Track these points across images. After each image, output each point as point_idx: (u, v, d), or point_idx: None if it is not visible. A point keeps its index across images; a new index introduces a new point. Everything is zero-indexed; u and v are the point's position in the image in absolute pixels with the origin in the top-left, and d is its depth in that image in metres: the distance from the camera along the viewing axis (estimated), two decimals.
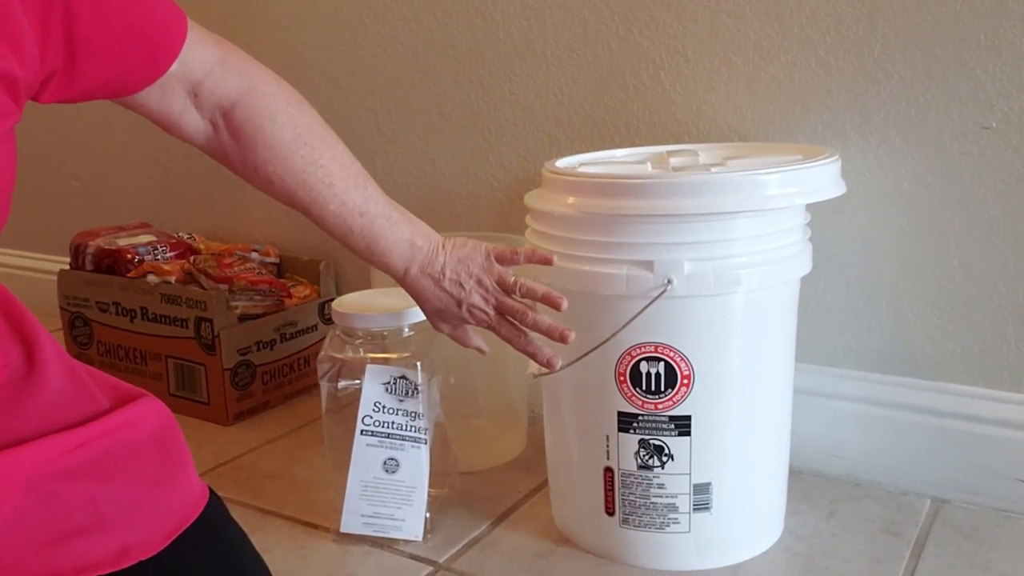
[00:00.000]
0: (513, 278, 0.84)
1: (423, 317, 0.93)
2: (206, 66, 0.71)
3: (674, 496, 0.88)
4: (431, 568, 0.93)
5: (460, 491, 1.05)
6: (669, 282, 0.82)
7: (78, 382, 0.66)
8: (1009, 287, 0.96)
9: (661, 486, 0.88)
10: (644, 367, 0.85)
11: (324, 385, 0.97)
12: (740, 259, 0.83)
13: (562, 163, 0.97)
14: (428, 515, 0.97)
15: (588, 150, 1.10)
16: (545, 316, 0.84)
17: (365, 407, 0.95)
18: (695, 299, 0.83)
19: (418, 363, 0.95)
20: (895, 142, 0.98)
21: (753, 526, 0.93)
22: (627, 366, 0.86)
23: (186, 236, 1.48)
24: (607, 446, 0.89)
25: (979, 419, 0.99)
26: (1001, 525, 0.96)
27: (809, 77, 1.01)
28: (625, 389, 0.86)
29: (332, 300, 1.04)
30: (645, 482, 0.88)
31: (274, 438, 1.25)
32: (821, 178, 0.86)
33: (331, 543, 0.97)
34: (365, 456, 0.95)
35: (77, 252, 1.42)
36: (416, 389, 0.94)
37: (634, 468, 0.88)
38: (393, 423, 0.95)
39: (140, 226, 1.51)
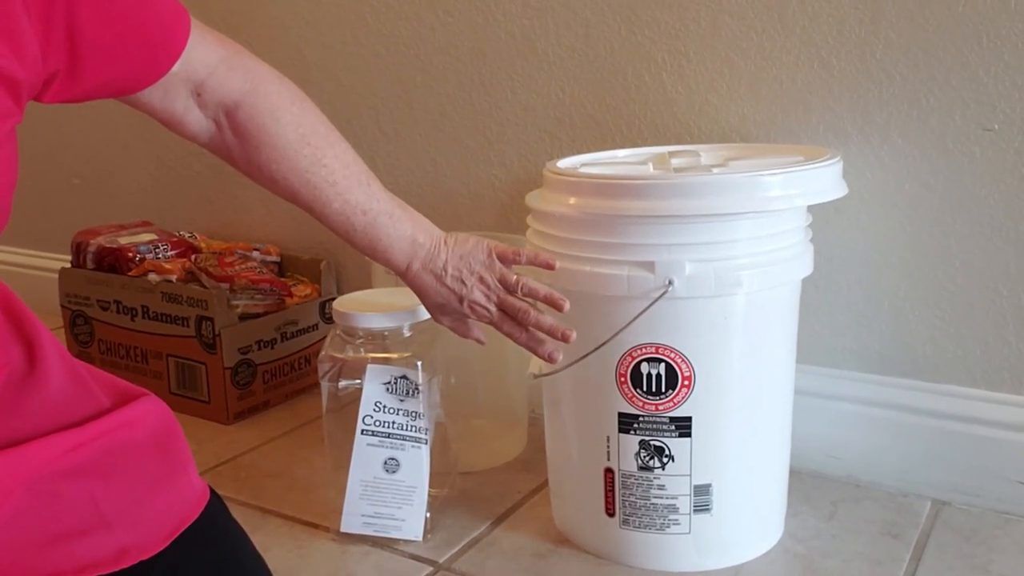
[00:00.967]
0: (515, 277, 0.84)
1: (424, 317, 0.93)
2: (209, 66, 0.71)
3: (674, 497, 0.88)
4: (431, 568, 0.93)
5: (460, 491, 1.05)
6: (670, 283, 0.82)
7: (79, 381, 0.66)
8: (1010, 289, 0.96)
9: (661, 487, 0.88)
10: (645, 368, 0.85)
11: (325, 384, 0.97)
12: (741, 260, 0.83)
13: (564, 163, 0.97)
14: (428, 515, 0.97)
15: (590, 150, 1.10)
16: (547, 315, 0.85)
17: (366, 407, 0.95)
18: (696, 300, 0.83)
19: (419, 363, 0.94)
20: (897, 143, 0.98)
21: (753, 527, 0.93)
22: (628, 367, 0.86)
23: (187, 235, 1.48)
24: (607, 447, 0.89)
25: (980, 421, 0.99)
26: (1001, 527, 0.96)
27: (811, 78, 1.01)
28: (626, 390, 0.86)
29: (333, 299, 1.04)
30: (645, 483, 0.88)
31: (274, 437, 1.25)
32: (823, 179, 0.86)
33: (331, 543, 0.97)
34: (365, 456, 0.95)
35: (78, 250, 1.42)
36: (417, 389, 0.94)
37: (634, 469, 0.88)
38: (394, 423, 0.95)
39: (141, 224, 1.51)
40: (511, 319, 0.86)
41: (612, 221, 0.84)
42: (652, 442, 0.87)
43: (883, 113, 0.98)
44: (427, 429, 0.95)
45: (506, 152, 1.24)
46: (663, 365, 0.85)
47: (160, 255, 1.38)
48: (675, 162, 0.94)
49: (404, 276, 0.86)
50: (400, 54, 1.29)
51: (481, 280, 0.85)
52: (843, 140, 1.00)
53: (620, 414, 0.87)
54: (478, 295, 0.85)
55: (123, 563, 0.61)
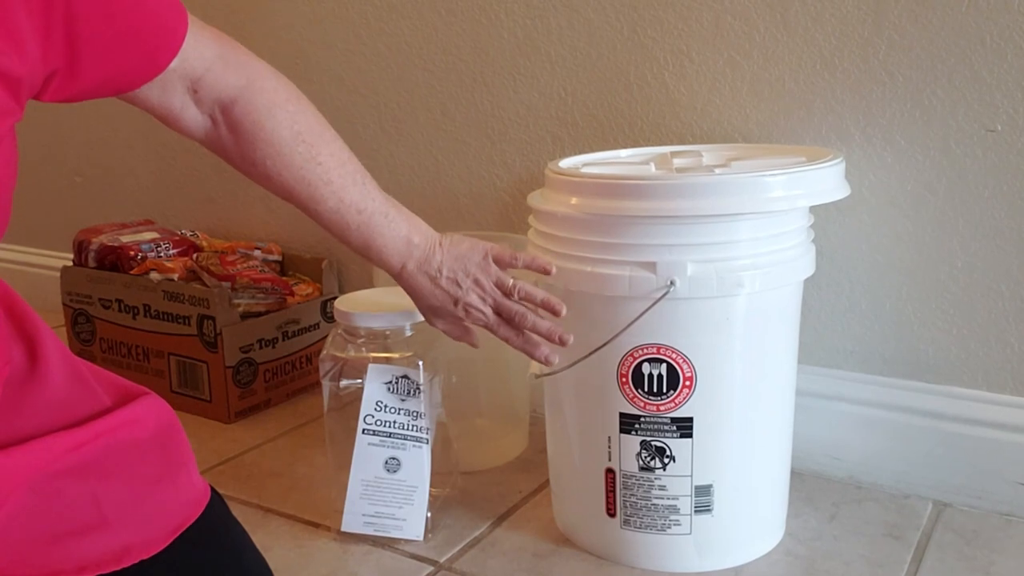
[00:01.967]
0: (512, 282, 0.84)
1: None
2: (206, 62, 0.71)
3: (675, 498, 0.88)
4: (432, 568, 0.93)
5: (461, 491, 1.05)
6: (672, 283, 0.82)
7: (80, 380, 0.66)
8: (1013, 290, 0.96)
9: (662, 488, 0.88)
10: (646, 368, 0.85)
11: (326, 384, 0.97)
12: (743, 261, 0.83)
13: (565, 163, 0.96)
14: (429, 515, 0.97)
15: (592, 150, 1.10)
16: (543, 319, 0.85)
17: (367, 406, 0.95)
18: (698, 301, 0.83)
19: (420, 362, 0.94)
20: (900, 144, 0.98)
21: (754, 528, 0.93)
22: (629, 367, 0.86)
23: (189, 233, 1.48)
24: (609, 447, 0.89)
25: (982, 422, 0.99)
26: (1003, 529, 0.96)
27: (814, 78, 1.01)
28: (627, 390, 0.86)
29: (334, 298, 1.04)
30: (646, 483, 0.88)
31: (276, 436, 1.25)
32: (825, 180, 0.85)
33: (332, 542, 0.97)
34: (367, 455, 0.95)
35: (80, 249, 1.42)
36: (418, 388, 0.94)
37: (635, 469, 0.88)
38: (395, 422, 0.95)
39: (143, 223, 1.52)
40: (507, 323, 0.86)
41: (614, 221, 0.84)
42: (653, 442, 0.87)
43: (886, 114, 0.98)
44: (428, 429, 0.95)
45: (508, 151, 1.24)
46: (664, 366, 0.85)
47: (162, 254, 1.38)
48: (677, 162, 0.94)
49: (398, 277, 0.86)
50: (402, 53, 1.29)
51: (477, 283, 0.84)
52: (846, 141, 1.00)
53: (621, 414, 0.87)
54: (473, 298, 0.84)
55: (124, 562, 0.61)
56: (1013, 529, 0.96)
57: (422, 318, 0.93)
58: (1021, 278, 0.95)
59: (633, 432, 0.87)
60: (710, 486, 0.88)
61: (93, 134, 1.70)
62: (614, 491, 0.90)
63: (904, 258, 1.00)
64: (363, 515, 0.96)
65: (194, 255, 1.38)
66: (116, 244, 1.39)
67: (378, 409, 0.95)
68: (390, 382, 0.95)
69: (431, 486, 0.96)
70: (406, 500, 0.95)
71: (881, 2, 0.96)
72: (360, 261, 1.36)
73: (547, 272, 0.85)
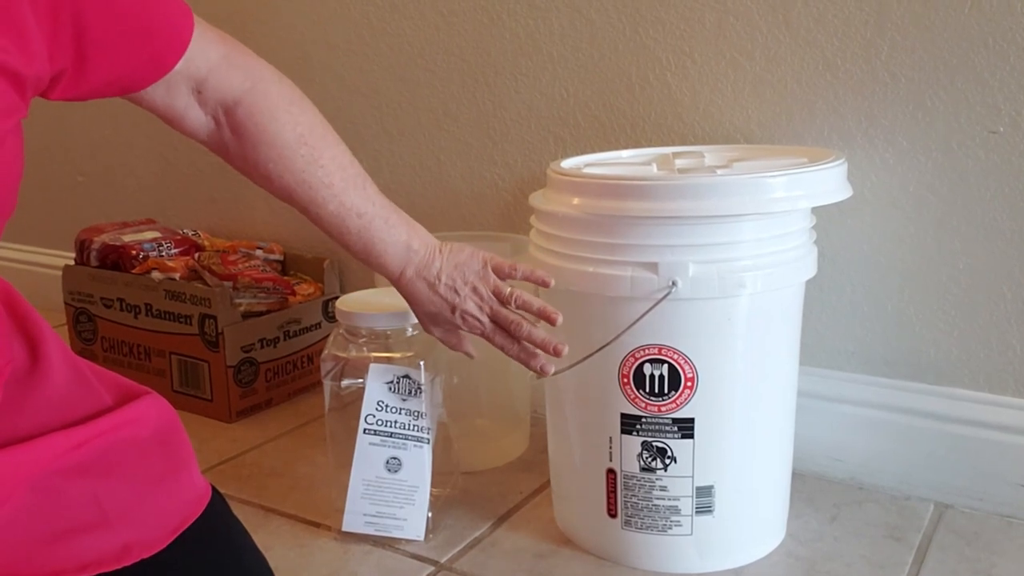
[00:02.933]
0: (509, 290, 0.84)
1: None
2: (210, 63, 0.71)
3: (676, 499, 0.88)
4: (432, 568, 0.93)
5: (462, 491, 1.05)
6: (673, 284, 0.82)
7: (82, 379, 0.66)
8: (1015, 292, 0.96)
9: (663, 488, 0.88)
10: (648, 369, 0.85)
11: (327, 383, 0.97)
12: (745, 262, 0.83)
13: (567, 163, 0.96)
14: (430, 515, 0.97)
15: (594, 151, 1.10)
16: (540, 329, 0.85)
17: (368, 406, 0.95)
18: (699, 301, 0.83)
19: (421, 362, 0.94)
20: (902, 145, 0.98)
21: (755, 529, 0.93)
22: (631, 368, 0.86)
23: (191, 233, 1.48)
24: (610, 448, 0.89)
25: (983, 424, 0.99)
26: (1004, 531, 0.96)
27: (816, 80, 1.01)
28: (628, 391, 0.86)
29: (336, 298, 1.04)
30: (647, 484, 0.88)
31: (277, 436, 1.25)
32: (827, 181, 0.85)
33: (333, 542, 0.97)
34: (368, 455, 0.95)
35: (82, 248, 1.42)
36: (419, 388, 0.94)
37: (636, 470, 0.88)
38: (396, 422, 0.95)
39: (145, 222, 1.52)
40: (503, 331, 0.86)
41: (616, 222, 0.84)
42: (654, 443, 0.87)
43: (888, 115, 0.98)
44: (429, 429, 0.95)
45: (510, 152, 1.24)
46: (666, 366, 0.85)
47: (164, 253, 1.38)
48: (679, 163, 0.94)
49: (397, 283, 0.86)
50: (404, 53, 1.29)
51: (475, 290, 0.84)
52: (848, 142, 1.00)
53: (622, 415, 0.87)
54: (471, 305, 0.84)
55: (125, 561, 0.61)
56: (1014, 531, 0.96)
57: None
58: (1023, 279, 0.95)
59: (634, 433, 0.87)
60: (711, 487, 0.88)
61: (95, 133, 1.70)
62: (615, 492, 0.90)
63: (906, 259, 1.00)
64: (364, 515, 0.96)
65: (196, 254, 1.39)
66: (118, 243, 1.39)
67: (379, 409, 0.95)
68: (391, 382, 0.95)
69: (432, 486, 0.96)
70: (407, 500, 0.95)
71: (884, 4, 0.96)
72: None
73: (546, 285, 0.85)
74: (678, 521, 0.88)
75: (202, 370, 1.30)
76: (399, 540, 0.96)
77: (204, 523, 0.66)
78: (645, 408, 0.86)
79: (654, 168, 0.94)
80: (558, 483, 1.00)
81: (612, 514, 0.91)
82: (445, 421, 1.01)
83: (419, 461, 0.95)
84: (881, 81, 0.97)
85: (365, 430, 0.95)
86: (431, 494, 0.96)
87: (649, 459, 0.87)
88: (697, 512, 0.88)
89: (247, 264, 1.37)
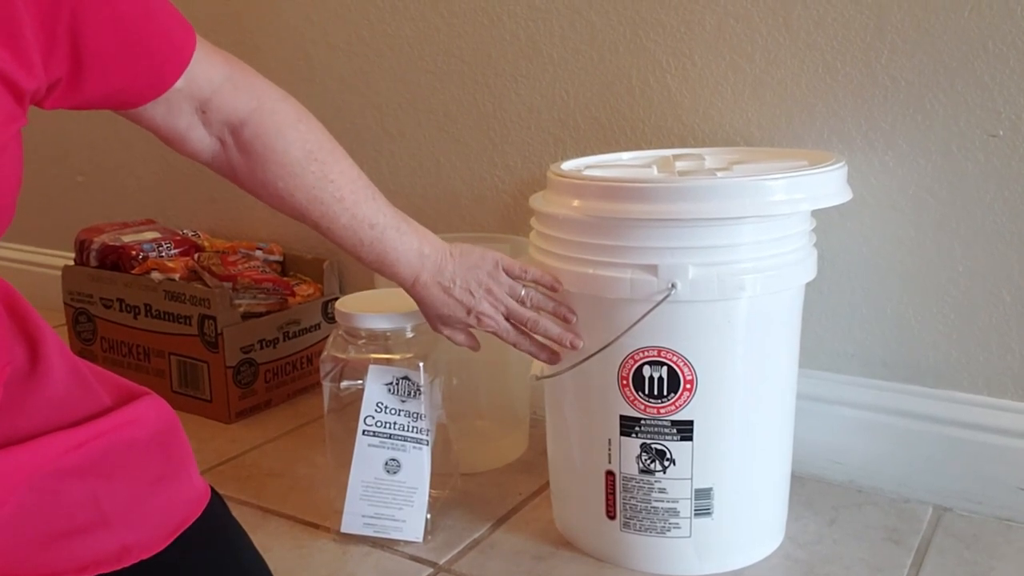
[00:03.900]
0: (524, 290, 0.87)
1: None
2: (214, 83, 0.71)
3: (675, 501, 0.88)
4: (431, 569, 0.93)
5: (461, 492, 1.05)
6: (673, 286, 0.82)
7: (81, 380, 0.66)
8: (1014, 295, 0.96)
9: (662, 490, 0.88)
10: (647, 371, 0.85)
11: (327, 385, 0.97)
12: (744, 264, 0.83)
13: (568, 165, 0.96)
14: (429, 516, 0.97)
15: (594, 153, 1.10)
16: (554, 323, 0.87)
17: (367, 407, 0.95)
18: (699, 304, 0.83)
19: (421, 364, 0.94)
20: (902, 148, 0.98)
21: (754, 532, 0.93)
22: (630, 370, 0.86)
23: (191, 233, 1.48)
24: (609, 450, 0.89)
25: (982, 427, 0.99)
26: (1003, 534, 0.96)
27: (816, 82, 1.01)
28: (628, 393, 0.86)
29: (336, 299, 1.04)
30: (646, 486, 0.88)
31: (276, 437, 1.25)
32: (827, 184, 0.85)
33: (331, 543, 0.97)
34: (367, 456, 0.95)
35: (82, 248, 1.42)
36: (418, 390, 0.94)
37: (636, 472, 0.88)
38: (395, 424, 0.95)
39: (145, 223, 1.52)
40: (517, 328, 0.88)
41: (615, 224, 0.84)
42: (653, 445, 0.87)
43: (888, 118, 0.98)
44: (428, 430, 0.95)
45: (510, 154, 1.24)
46: (665, 368, 0.85)
47: (163, 253, 1.38)
48: (679, 165, 0.94)
49: (411, 289, 0.87)
50: (405, 55, 1.29)
51: (489, 292, 0.86)
52: (848, 145, 1.00)
53: (622, 417, 0.87)
54: (486, 306, 0.86)
55: (124, 562, 0.61)
56: (1013, 534, 0.96)
57: (423, 320, 0.93)
58: (1022, 283, 0.95)
59: (633, 435, 0.87)
60: (710, 489, 0.88)
61: (95, 134, 1.70)
62: (614, 493, 0.90)
63: (905, 262, 1.00)
64: (363, 516, 0.96)
65: (195, 255, 1.39)
66: (118, 244, 1.39)
67: (378, 410, 0.95)
68: (391, 383, 0.95)
69: (431, 487, 0.96)
70: (406, 501, 0.95)
71: (883, 7, 0.96)
72: None
73: (555, 289, 0.86)
74: (677, 523, 0.88)
75: (201, 371, 1.30)
76: (398, 541, 0.96)
77: (203, 524, 0.66)
78: (644, 410, 0.86)
79: (654, 170, 0.94)
80: (557, 485, 1.00)
81: (611, 516, 0.91)
82: (444, 422, 1.01)
83: (418, 462, 0.95)
84: (881, 84, 0.97)
85: (364, 431, 0.95)
86: (430, 495, 0.96)
87: (648, 461, 0.87)
88: (696, 514, 0.88)
89: (247, 265, 1.37)
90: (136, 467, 0.65)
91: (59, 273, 1.45)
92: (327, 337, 1.00)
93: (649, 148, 1.11)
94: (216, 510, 0.69)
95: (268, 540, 0.97)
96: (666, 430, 0.86)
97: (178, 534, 0.64)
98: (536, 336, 0.89)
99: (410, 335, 0.97)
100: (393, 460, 0.95)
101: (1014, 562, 0.91)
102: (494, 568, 0.92)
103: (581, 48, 1.15)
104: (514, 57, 1.20)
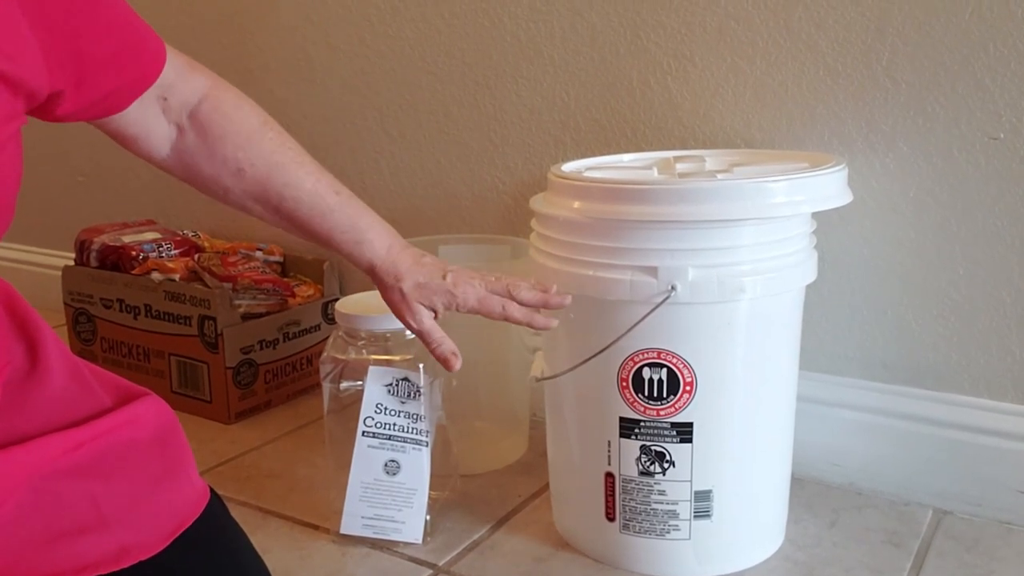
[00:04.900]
0: (506, 281, 0.86)
1: None
2: (176, 69, 0.73)
3: (675, 503, 0.88)
4: (430, 571, 0.93)
5: (461, 494, 1.05)
6: (673, 288, 0.82)
7: (81, 380, 0.66)
8: (1015, 298, 0.96)
9: (662, 492, 0.88)
10: (647, 373, 0.85)
11: (326, 386, 0.97)
12: (745, 266, 0.83)
13: (568, 167, 0.96)
14: (428, 517, 0.96)
15: (594, 154, 1.10)
16: (532, 289, 0.85)
17: (367, 408, 0.95)
18: (699, 306, 0.83)
19: (421, 365, 0.94)
20: (902, 151, 0.98)
21: (754, 534, 0.93)
22: (629, 372, 0.86)
23: (191, 234, 1.48)
24: (608, 451, 0.89)
25: (982, 430, 0.98)
26: (1003, 537, 0.96)
27: (817, 84, 1.01)
28: (627, 395, 0.86)
29: (336, 300, 1.04)
30: (646, 488, 0.88)
31: (276, 437, 1.25)
32: (827, 186, 0.85)
33: (331, 544, 0.97)
34: (366, 457, 0.95)
35: (82, 248, 1.42)
36: (418, 391, 0.94)
37: (635, 474, 0.88)
38: (395, 425, 0.95)
39: (145, 223, 1.52)
40: (499, 296, 0.85)
41: (616, 225, 0.84)
42: (653, 447, 0.87)
43: (889, 120, 0.98)
44: (428, 431, 0.95)
45: (510, 155, 1.24)
46: (665, 370, 0.85)
47: (163, 254, 1.38)
48: (680, 167, 0.94)
49: (385, 258, 0.84)
50: (405, 56, 1.29)
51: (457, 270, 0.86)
52: (848, 147, 1.00)
53: (621, 419, 0.87)
54: (461, 271, 0.85)
55: (123, 563, 0.61)
56: (1013, 537, 0.96)
57: None
58: (1023, 285, 0.95)
59: (633, 436, 0.87)
60: (710, 491, 0.88)
61: (96, 134, 1.68)
62: (613, 495, 0.90)
63: (906, 265, 1.00)
64: (362, 517, 0.96)
65: (196, 255, 1.39)
66: (118, 244, 1.39)
67: (378, 411, 0.95)
68: (390, 384, 0.95)
69: (430, 489, 0.96)
70: (405, 503, 0.95)
71: (884, 9, 0.96)
72: None
73: (561, 306, 0.86)
74: (676, 525, 0.88)
75: (201, 371, 1.30)
76: (397, 543, 0.96)
77: (202, 525, 0.66)
78: (644, 412, 0.86)
79: (655, 172, 0.94)
80: (557, 486, 0.99)
81: (610, 518, 0.91)
82: (444, 424, 1.01)
83: (418, 464, 0.95)
84: (882, 86, 0.97)
85: (364, 432, 0.95)
86: (429, 497, 0.96)
87: (648, 463, 0.87)
88: (695, 516, 0.88)
89: (247, 265, 1.37)
90: (135, 468, 0.65)
91: (59, 273, 1.45)
92: (327, 338, 1.00)
93: (650, 150, 1.11)
94: (215, 511, 0.69)
95: (267, 541, 0.97)
96: (666, 432, 0.86)
97: (177, 535, 0.64)
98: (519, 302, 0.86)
99: (410, 336, 0.97)
100: (393, 461, 0.95)
101: (1014, 565, 0.91)
102: (493, 570, 0.92)
103: (582, 50, 1.15)
104: (515, 59, 1.20)
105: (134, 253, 1.37)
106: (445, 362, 0.87)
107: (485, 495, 1.07)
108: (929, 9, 0.94)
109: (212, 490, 0.70)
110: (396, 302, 0.86)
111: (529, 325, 0.87)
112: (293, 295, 1.37)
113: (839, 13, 0.98)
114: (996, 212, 0.95)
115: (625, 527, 0.90)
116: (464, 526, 1.00)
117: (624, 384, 0.86)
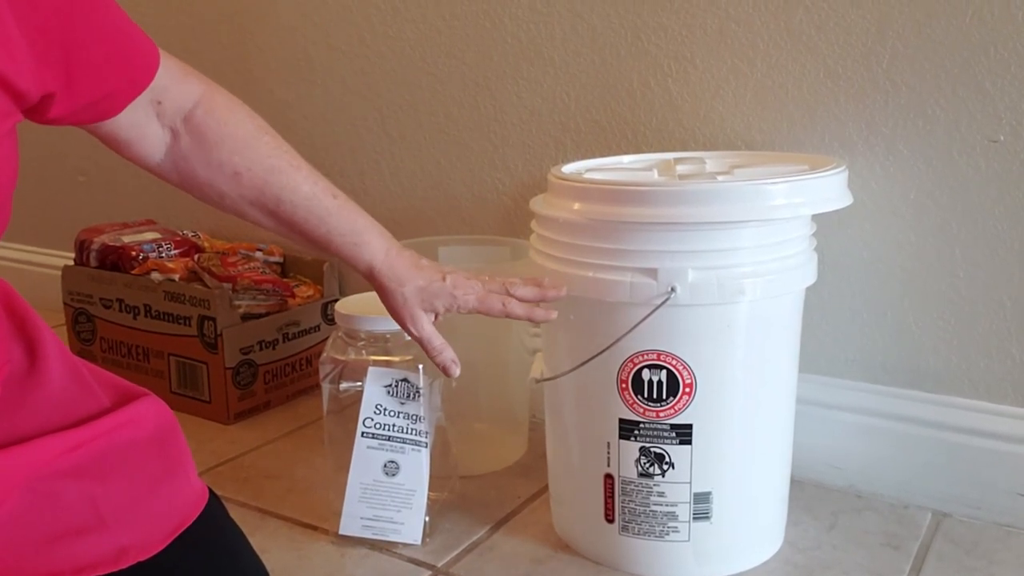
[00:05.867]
0: (502, 281, 0.86)
1: None
2: (171, 72, 0.72)
3: (674, 504, 0.88)
4: (429, 572, 0.92)
5: (460, 495, 1.05)
6: (673, 290, 0.82)
7: (80, 380, 0.66)
8: (1014, 301, 0.96)
9: (661, 494, 0.88)
10: (646, 375, 0.85)
11: (326, 386, 0.97)
12: (744, 268, 0.83)
13: (568, 168, 0.96)
14: (427, 519, 0.96)
15: (595, 156, 1.10)
16: (528, 285, 0.86)
17: (366, 409, 0.94)
18: (699, 308, 0.83)
19: (420, 366, 0.94)
20: (902, 153, 0.98)
21: (753, 536, 0.93)
22: (629, 373, 0.86)
23: (191, 234, 1.48)
24: (608, 453, 0.89)
25: (982, 433, 0.98)
26: (1002, 540, 0.96)
27: (817, 87, 1.01)
28: (627, 396, 0.86)
29: (335, 301, 1.03)
30: (645, 490, 0.88)
31: (275, 438, 1.25)
32: (827, 189, 0.85)
33: (330, 545, 0.97)
34: (365, 458, 0.95)
35: (82, 248, 1.42)
36: (418, 392, 0.94)
37: (634, 476, 0.88)
38: (394, 426, 0.95)
39: (145, 223, 1.52)
40: (497, 294, 0.86)
41: (616, 227, 0.84)
42: (652, 449, 0.87)
43: (889, 123, 0.98)
44: (427, 432, 0.95)
45: (511, 156, 1.24)
46: (664, 372, 0.85)
47: (163, 254, 1.38)
48: (680, 169, 0.94)
49: (384, 261, 0.84)
50: (406, 57, 1.29)
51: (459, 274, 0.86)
52: (848, 149, 1.00)
53: (621, 420, 0.87)
54: (459, 273, 0.86)
55: (122, 563, 0.61)
56: (1013, 540, 0.96)
57: None
58: (1023, 288, 0.95)
59: (632, 438, 0.87)
60: (709, 493, 0.87)
61: None
62: (613, 497, 0.90)
63: (906, 267, 1.00)
64: (361, 518, 0.96)
65: (195, 256, 1.39)
66: (118, 244, 1.39)
67: (377, 412, 0.95)
68: (390, 385, 0.95)
69: (430, 490, 0.96)
70: (404, 504, 0.95)
71: (885, 12, 0.96)
72: None
73: (558, 296, 0.86)
74: (675, 527, 0.88)
75: (201, 372, 1.30)
76: (396, 544, 0.96)
77: (201, 526, 0.66)
78: (643, 414, 0.86)
79: (655, 174, 0.94)
80: (556, 488, 0.99)
81: (610, 519, 0.91)
82: (443, 425, 1.01)
83: (417, 465, 0.95)
84: (882, 89, 0.97)
85: (363, 433, 0.95)
86: (429, 498, 0.96)
87: (647, 465, 0.87)
88: (695, 518, 0.88)
89: (247, 266, 1.37)
90: (134, 468, 0.65)
91: (59, 273, 1.45)
92: (327, 339, 1.00)
93: (650, 151, 1.10)
94: (214, 511, 0.69)
95: (266, 542, 0.97)
96: (665, 434, 0.86)
97: (176, 535, 0.64)
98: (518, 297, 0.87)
99: (409, 337, 0.97)
100: (392, 462, 0.95)
101: (1013, 568, 0.91)
102: (492, 571, 0.92)
103: (582, 51, 1.15)
104: (515, 60, 1.20)
105: (134, 253, 1.37)
106: (445, 370, 0.88)
107: (484, 496, 1.07)
108: (929, 12, 0.94)
109: (211, 491, 0.70)
110: (397, 307, 0.86)
111: (530, 319, 0.88)
112: (293, 296, 1.37)
113: (839, 15, 0.98)
114: (996, 215, 0.95)
115: (624, 529, 0.90)
116: (463, 527, 1.00)
117: (624, 386, 0.86)
